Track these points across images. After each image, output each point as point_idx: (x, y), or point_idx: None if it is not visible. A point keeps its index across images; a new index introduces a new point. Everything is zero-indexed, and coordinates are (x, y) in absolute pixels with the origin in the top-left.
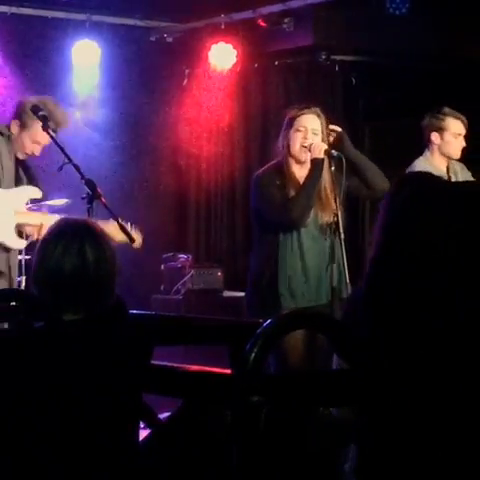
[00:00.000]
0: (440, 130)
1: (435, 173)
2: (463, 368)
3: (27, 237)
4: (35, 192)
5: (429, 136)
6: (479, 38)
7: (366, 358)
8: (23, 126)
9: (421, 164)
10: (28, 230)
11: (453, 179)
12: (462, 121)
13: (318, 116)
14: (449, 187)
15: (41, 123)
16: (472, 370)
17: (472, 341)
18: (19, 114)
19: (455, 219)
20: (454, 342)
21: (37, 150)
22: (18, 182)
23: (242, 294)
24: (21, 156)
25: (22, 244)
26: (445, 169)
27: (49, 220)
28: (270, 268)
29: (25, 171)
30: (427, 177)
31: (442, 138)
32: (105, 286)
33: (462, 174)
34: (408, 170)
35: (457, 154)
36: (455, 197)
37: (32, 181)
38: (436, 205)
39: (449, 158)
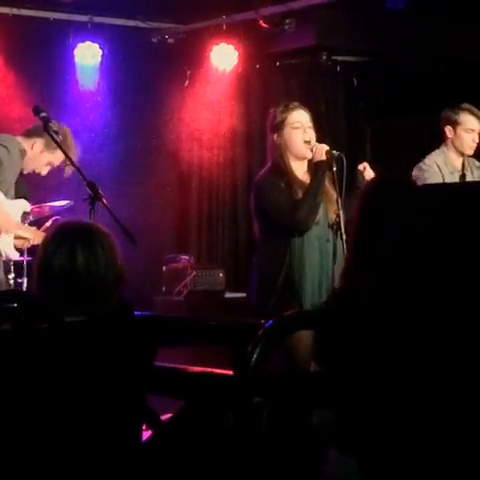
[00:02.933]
0: (454, 124)
1: (447, 167)
2: (442, 365)
3: (20, 250)
4: (26, 206)
5: (444, 129)
6: (479, 39)
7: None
8: (47, 147)
9: (433, 157)
10: (18, 243)
11: (469, 177)
12: (478, 117)
13: (304, 110)
14: (411, 190)
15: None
16: (448, 367)
17: (451, 342)
18: (46, 135)
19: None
20: (433, 343)
21: (45, 171)
22: (16, 193)
23: (244, 295)
24: (26, 172)
25: (16, 255)
26: (460, 165)
27: (39, 236)
28: (281, 271)
29: (21, 182)
30: (390, 182)
31: (455, 132)
32: (98, 287)
33: (479, 173)
34: (419, 164)
35: (469, 150)
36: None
37: (24, 192)
38: (393, 209)
39: (462, 154)
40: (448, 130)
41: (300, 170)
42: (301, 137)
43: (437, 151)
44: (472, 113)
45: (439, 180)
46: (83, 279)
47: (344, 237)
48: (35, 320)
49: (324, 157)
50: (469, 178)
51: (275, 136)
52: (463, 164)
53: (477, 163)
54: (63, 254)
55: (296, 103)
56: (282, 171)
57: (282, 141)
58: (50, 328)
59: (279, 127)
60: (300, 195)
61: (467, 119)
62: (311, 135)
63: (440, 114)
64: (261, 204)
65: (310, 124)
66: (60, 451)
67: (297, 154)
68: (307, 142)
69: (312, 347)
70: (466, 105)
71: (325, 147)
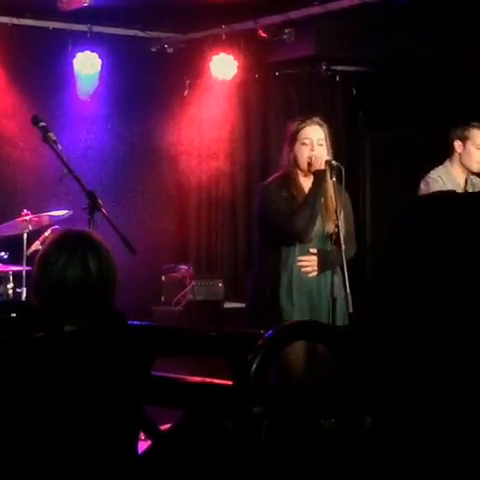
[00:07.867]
0: (463, 139)
1: (450, 183)
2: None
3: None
4: None
5: (453, 144)
6: (478, 49)
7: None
8: None
9: (437, 172)
10: None
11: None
12: None
13: (320, 126)
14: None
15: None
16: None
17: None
18: None
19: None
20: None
21: None
22: None
23: (243, 305)
24: None
25: None
26: (463, 181)
27: None
28: (272, 278)
29: None
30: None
31: (464, 147)
32: (107, 296)
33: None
34: (425, 178)
35: (477, 165)
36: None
37: None
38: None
39: (468, 170)
40: (457, 144)
41: (307, 184)
42: (307, 154)
43: (440, 167)
44: None
45: None
46: (96, 289)
47: (343, 247)
48: (33, 330)
49: (323, 167)
50: None
51: (288, 148)
52: (466, 180)
53: (474, 180)
54: (76, 265)
55: (315, 118)
56: (290, 182)
57: (292, 155)
58: (49, 338)
59: (292, 140)
60: None
61: (477, 135)
62: (318, 152)
63: (450, 130)
64: (262, 210)
65: (322, 140)
66: (57, 460)
67: (301, 169)
68: (309, 158)
69: (305, 357)
70: (476, 122)
71: (324, 157)
